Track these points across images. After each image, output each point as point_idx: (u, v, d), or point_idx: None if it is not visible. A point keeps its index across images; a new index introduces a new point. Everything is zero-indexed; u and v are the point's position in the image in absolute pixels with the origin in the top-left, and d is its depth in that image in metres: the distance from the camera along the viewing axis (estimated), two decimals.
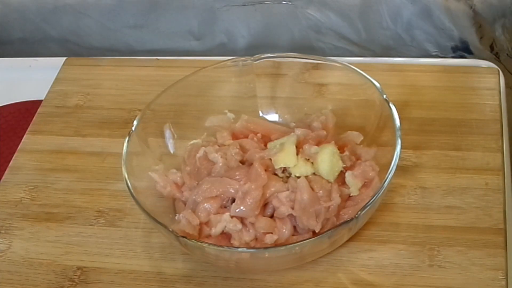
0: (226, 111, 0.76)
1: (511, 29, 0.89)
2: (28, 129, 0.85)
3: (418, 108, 0.80)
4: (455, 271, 0.65)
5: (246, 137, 0.74)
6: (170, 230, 0.63)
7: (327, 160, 0.67)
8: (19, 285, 0.70)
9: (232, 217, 0.66)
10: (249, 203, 0.65)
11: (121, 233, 0.73)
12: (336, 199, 0.66)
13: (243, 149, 0.71)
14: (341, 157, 0.69)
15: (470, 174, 0.73)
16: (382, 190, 0.63)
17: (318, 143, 0.70)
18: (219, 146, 0.72)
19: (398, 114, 0.68)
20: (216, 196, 0.67)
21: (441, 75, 0.84)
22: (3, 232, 0.74)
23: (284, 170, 0.68)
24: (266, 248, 0.65)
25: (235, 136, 0.75)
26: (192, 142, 0.74)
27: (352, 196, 0.68)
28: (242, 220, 0.66)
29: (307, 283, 0.67)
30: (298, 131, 0.71)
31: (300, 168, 0.67)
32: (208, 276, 0.68)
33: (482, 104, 0.80)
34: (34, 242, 0.73)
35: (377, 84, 0.71)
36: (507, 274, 0.65)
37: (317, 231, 0.65)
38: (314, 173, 0.67)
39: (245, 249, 0.65)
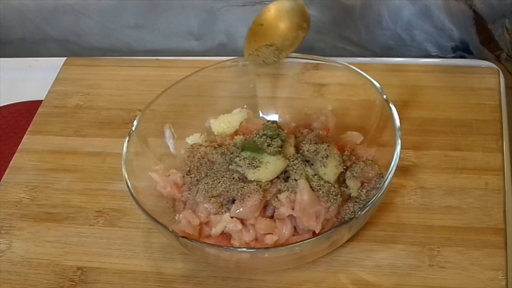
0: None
1: (511, 29, 0.89)
2: (28, 129, 0.85)
3: (418, 108, 0.80)
4: (455, 271, 0.65)
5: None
6: (170, 230, 0.63)
7: (327, 161, 0.67)
8: (19, 285, 0.70)
9: (232, 217, 0.66)
10: (249, 205, 0.65)
11: (121, 233, 0.73)
12: (336, 200, 0.66)
13: None
14: (341, 157, 0.69)
15: (470, 174, 0.73)
16: (382, 190, 0.63)
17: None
18: (219, 146, 0.72)
19: (398, 114, 0.68)
20: (216, 196, 0.67)
21: (441, 75, 0.84)
22: (3, 232, 0.74)
23: (285, 171, 0.68)
24: (266, 248, 0.65)
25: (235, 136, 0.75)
26: (192, 141, 0.74)
27: (352, 196, 0.68)
28: (242, 220, 0.66)
29: (306, 283, 0.67)
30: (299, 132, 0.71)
31: (300, 171, 0.67)
32: (207, 276, 0.68)
33: (482, 104, 0.80)
34: (33, 242, 0.73)
35: (377, 84, 0.71)
36: (507, 274, 0.65)
37: (317, 232, 0.65)
38: (314, 174, 0.67)
39: (245, 249, 0.64)
